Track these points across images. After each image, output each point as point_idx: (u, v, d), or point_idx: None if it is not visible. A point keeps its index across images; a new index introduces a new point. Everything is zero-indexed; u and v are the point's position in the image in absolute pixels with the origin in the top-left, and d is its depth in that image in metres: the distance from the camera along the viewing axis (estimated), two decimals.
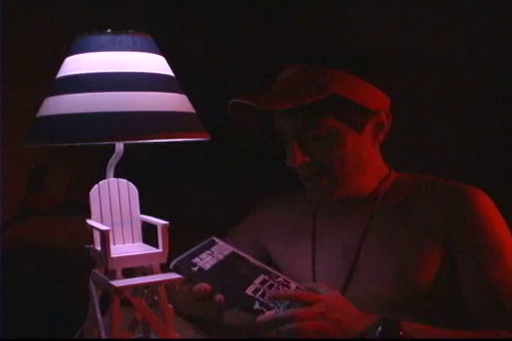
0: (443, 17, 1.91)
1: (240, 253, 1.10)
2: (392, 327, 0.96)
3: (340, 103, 1.09)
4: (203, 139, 0.97)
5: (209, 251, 1.06)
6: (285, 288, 1.02)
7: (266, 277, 1.04)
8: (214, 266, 1.03)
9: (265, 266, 1.08)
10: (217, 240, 1.11)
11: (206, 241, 1.10)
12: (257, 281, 1.02)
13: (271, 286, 1.02)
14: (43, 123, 0.91)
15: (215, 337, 1.19)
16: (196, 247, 1.07)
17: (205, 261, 1.03)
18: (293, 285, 1.04)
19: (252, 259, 1.08)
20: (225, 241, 1.12)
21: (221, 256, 1.06)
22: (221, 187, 2.02)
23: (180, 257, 1.03)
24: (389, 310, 1.06)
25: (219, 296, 0.97)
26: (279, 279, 1.05)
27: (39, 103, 0.95)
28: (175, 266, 1.01)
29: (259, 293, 0.99)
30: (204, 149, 1.50)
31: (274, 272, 1.07)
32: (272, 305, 0.97)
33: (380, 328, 0.95)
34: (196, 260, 1.03)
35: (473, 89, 1.90)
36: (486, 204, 1.11)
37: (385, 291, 1.09)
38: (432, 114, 1.95)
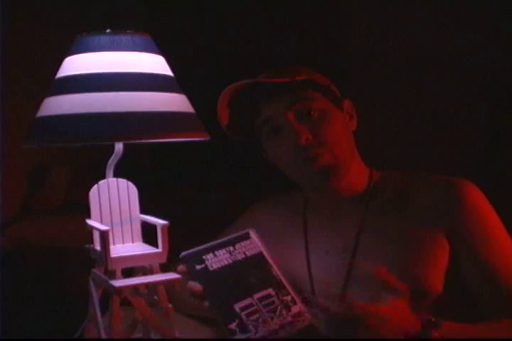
0: (443, 17, 1.92)
1: (267, 257, 1.04)
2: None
3: (319, 85, 1.16)
4: (203, 139, 0.98)
5: (231, 248, 1.02)
6: (283, 310, 0.98)
7: (272, 292, 1.00)
8: (221, 268, 1.00)
9: (282, 279, 1.03)
10: (252, 235, 1.06)
11: (240, 234, 1.05)
12: (259, 295, 0.99)
13: (270, 304, 0.98)
14: (43, 124, 0.91)
15: (215, 337, 1.19)
16: (224, 239, 1.03)
17: (218, 259, 1.00)
18: (296, 308, 0.99)
19: (274, 267, 1.03)
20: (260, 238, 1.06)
21: (241, 256, 1.02)
22: (221, 187, 2.02)
23: (195, 249, 1.00)
24: None
25: (206, 302, 0.97)
26: (287, 298, 1.00)
27: (39, 103, 0.95)
28: (183, 257, 0.99)
29: (249, 310, 0.97)
30: (204, 149, 1.50)
31: (287, 288, 1.02)
32: (251, 328, 0.95)
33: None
34: (209, 256, 1.00)
35: (474, 89, 1.90)
36: (478, 195, 1.14)
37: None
38: (432, 113, 1.96)
